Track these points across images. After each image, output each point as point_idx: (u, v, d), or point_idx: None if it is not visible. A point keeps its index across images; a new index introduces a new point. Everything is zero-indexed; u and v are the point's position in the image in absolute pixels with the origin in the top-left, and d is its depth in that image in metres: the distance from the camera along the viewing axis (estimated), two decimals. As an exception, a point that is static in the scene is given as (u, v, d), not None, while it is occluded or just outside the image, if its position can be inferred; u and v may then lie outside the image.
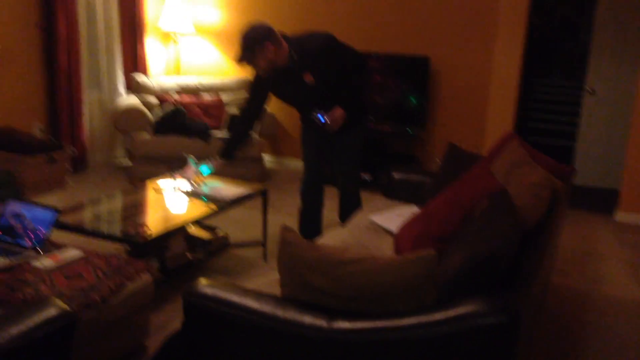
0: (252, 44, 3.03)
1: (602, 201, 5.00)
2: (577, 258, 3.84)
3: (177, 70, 5.81)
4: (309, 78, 3.18)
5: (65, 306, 1.62)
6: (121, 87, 5.48)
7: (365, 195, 3.61)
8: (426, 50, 5.04)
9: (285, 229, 1.78)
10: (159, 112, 4.95)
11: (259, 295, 1.73)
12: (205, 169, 3.38)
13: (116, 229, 2.82)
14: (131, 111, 4.93)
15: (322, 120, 3.15)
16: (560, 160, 2.93)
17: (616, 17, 5.30)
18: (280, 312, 1.63)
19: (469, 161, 2.99)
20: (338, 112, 3.16)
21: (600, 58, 5.44)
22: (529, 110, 6.60)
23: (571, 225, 4.40)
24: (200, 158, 4.01)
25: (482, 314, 1.43)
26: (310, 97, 3.24)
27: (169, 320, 2.70)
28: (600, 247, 4.07)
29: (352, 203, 3.57)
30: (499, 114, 4.84)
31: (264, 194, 3.46)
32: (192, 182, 3.33)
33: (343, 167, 3.52)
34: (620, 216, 4.61)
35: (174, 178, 3.40)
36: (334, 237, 2.63)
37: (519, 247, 1.81)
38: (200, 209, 3.07)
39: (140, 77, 5.29)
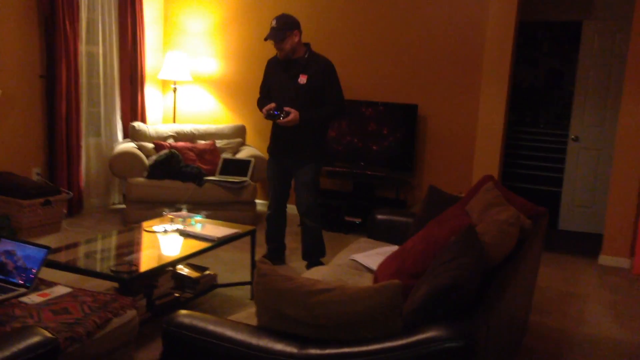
0: (286, 27, 3.67)
1: (587, 245, 5.09)
2: (559, 298, 3.90)
3: (174, 117, 6.00)
4: (302, 79, 3.77)
5: (48, 333, 1.70)
6: (119, 134, 5.65)
7: (351, 237, 3.71)
8: (414, 99, 5.23)
9: (261, 261, 1.87)
10: (154, 157, 5.09)
11: (234, 324, 1.81)
12: (198, 218, 3.57)
13: (105, 267, 2.90)
14: (127, 156, 5.08)
15: (276, 113, 3.70)
16: (546, 205, 3.07)
17: (597, 66, 5.52)
18: (254, 340, 1.72)
19: (448, 202, 3.11)
20: (292, 112, 3.69)
21: (582, 106, 5.63)
22: (518, 158, 6.74)
23: (555, 268, 4.47)
24: (194, 202, 4.14)
25: (441, 339, 1.52)
26: (292, 95, 3.78)
27: (155, 357, 2.75)
28: (583, 289, 4.14)
29: (313, 241, 4.02)
30: (486, 160, 4.98)
31: (252, 234, 3.55)
32: (184, 224, 3.45)
33: (302, 207, 3.98)
34: (604, 259, 4.69)
35: (168, 220, 3.51)
36: (315, 274, 2.72)
37: (483, 280, 1.90)
38: (190, 248, 3.16)
39: (137, 124, 5.46)
